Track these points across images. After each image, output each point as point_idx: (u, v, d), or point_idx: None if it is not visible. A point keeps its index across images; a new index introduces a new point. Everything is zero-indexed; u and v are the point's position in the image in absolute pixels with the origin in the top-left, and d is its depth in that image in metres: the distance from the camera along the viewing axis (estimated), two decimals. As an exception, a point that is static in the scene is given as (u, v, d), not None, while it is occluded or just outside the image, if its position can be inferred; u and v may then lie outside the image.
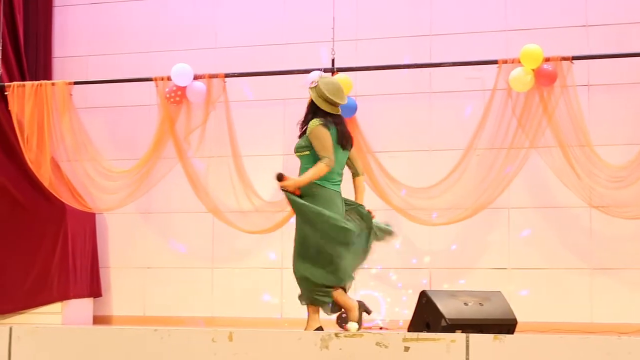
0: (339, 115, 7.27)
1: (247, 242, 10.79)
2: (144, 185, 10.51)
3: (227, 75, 10.32)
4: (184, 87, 10.23)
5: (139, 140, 11.00)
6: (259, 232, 10.26)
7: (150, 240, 11.31)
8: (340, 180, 7.28)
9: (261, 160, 10.66)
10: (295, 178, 7.15)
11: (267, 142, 10.89)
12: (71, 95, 10.62)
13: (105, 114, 11.49)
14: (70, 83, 10.64)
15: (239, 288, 10.76)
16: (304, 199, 7.09)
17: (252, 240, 10.71)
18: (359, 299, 7.62)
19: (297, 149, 7.25)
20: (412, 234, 10.48)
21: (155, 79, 10.42)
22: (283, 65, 10.73)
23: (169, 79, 10.30)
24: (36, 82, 10.66)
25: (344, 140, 7.18)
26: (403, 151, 10.60)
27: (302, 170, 7.23)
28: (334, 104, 7.21)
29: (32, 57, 11.51)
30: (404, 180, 9.96)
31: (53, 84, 10.65)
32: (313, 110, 7.21)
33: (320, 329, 7.21)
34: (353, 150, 7.37)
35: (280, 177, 7.12)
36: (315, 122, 7.07)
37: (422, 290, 7.70)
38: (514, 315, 7.57)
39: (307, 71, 10.04)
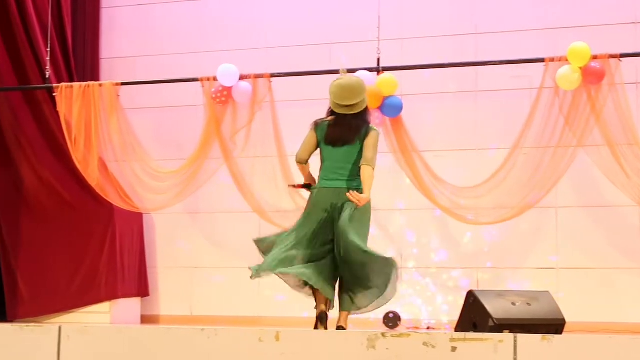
0: (344, 115, 7.37)
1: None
2: (192, 186, 10.55)
3: (273, 75, 10.33)
4: (230, 87, 10.25)
5: (185, 141, 11.06)
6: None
7: (196, 240, 11.35)
8: (335, 178, 7.37)
9: (307, 159, 10.68)
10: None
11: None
12: (118, 95, 10.68)
13: (152, 115, 11.57)
14: (117, 84, 10.72)
15: (285, 287, 10.75)
16: None
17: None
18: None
19: None
20: (459, 233, 10.44)
21: (202, 79, 10.46)
22: (329, 65, 10.71)
23: (215, 79, 10.33)
24: (84, 83, 10.74)
25: (328, 139, 7.42)
26: (449, 150, 10.57)
27: None
28: (336, 106, 7.40)
29: (80, 59, 11.62)
30: (450, 179, 9.92)
31: (100, 85, 10.73)
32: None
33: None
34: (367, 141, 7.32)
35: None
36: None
37: (469, 290, 7.67)
38: (562, 315, 7.50)
39: (353, 70, 9.92)
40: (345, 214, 7.27)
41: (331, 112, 7.45)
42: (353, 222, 7.26)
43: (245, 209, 10.64)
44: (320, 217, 7.39)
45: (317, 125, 7.48)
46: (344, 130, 7.37)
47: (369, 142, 7.34)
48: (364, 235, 7.38)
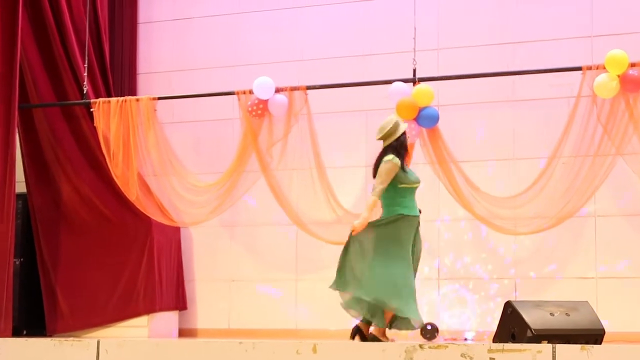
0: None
1: (331, 253, 10.78)
2: (229, 199, 10.56)
3: (309, 88, 10.33)
4: (266, 100, 10.27)
5: (222, 154, 11.08)
6: (342, 242, 10.23)
7: (234, 253, 11.38)
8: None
9: (343, 172, 10.71)
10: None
11: (349, 154, 10.90)
12: (155, 110, 10.72)
13: (189, 129, 11.62)
14: (154, 98, 10.75)
15: (323, 299, 10.77)
16: None
17: (336, 251, 10.69)
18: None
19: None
20: (497, 243, 10.41)
21: (238, 93, 10.48)
22: (364, 77, 10.73)
23: (251, 92, 10.34)
24: (121, 98, 10.79)
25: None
26: (487, 160, 10.53)
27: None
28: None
29: (118, 74, 11.71)
30: (488, 189, 9.88)
31: (138, 100, 10.77)
32: None
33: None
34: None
35: None
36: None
37: (507, 300, 7.64)
38: (601, 325, 7.46)
39: (389, 82, 10.03)
40: None
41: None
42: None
43: (283, 221, 10.66)
44: None
45: None
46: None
47: (378, 171, 8.27)
48: (369, 257, 8.25)
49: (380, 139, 8.44)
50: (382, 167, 8.24)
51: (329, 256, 10.81)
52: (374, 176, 8.33)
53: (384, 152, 8.38)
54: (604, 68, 9.32)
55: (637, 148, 9.32)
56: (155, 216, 10.68)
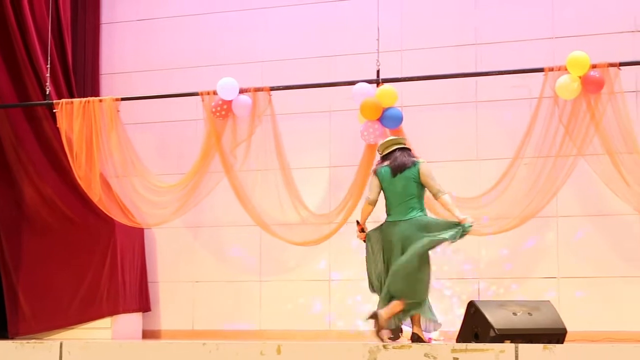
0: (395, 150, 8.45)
1: (295, 254, 10.81)
2: (192, 200, 10.53)
3: (273, 89, 10.33)
4: (230, 101, 10.25)
5: (186, 155, 11.06)
6: (306, 243, 10.25)
7: (198, 254, 11.35)
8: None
9: (308, 172, 10.69)
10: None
11: (313, 154, 10.90)
12: (118, 111, 10.67)
13: (152, 129, 11.59)
14: (117, 99, 10.71)
15: (287, 300, 10.76)
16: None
17: (300, 253, 10.72)
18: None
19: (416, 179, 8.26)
20: (460, 244, 10.35)
21: (201, 94, 10.46)
22: (328, 77, 10.73)
23: (214, 93, 10.32)
24: (84, 99, 10.74)
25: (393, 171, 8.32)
26: (449, 161, 10.55)
27: (418, 198, 8.29)
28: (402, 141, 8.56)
29: (80, 75, 11.65)
30: (451, 190, 9.84)
31: (100, 101, 10.72)
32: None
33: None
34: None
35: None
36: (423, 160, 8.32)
37: (470, 300, 7.67)
38: (563, 325, 7.51)
39: (352, 83, 10.04)
40: None
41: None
42: None
43: (247, 222, 10.64)
44: None
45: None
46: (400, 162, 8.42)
47: (430, 173, 8.39)
48: None
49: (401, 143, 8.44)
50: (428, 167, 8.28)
51: (293, 257, 10.85)
52: (395, 174, 8.20)
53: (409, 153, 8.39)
54: (566, 69, 9.39)
55: (599, 149, 9.39)
56: (118, 217, 10.63)
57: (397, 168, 8.18)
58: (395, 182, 8.16)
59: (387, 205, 8.23)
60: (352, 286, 10.45)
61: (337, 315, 10.64)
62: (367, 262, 8.22)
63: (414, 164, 8.20)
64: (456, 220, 8.04)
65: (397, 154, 8.29)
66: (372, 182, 8.27)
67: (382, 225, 8.22)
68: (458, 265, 10.51)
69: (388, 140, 8.45)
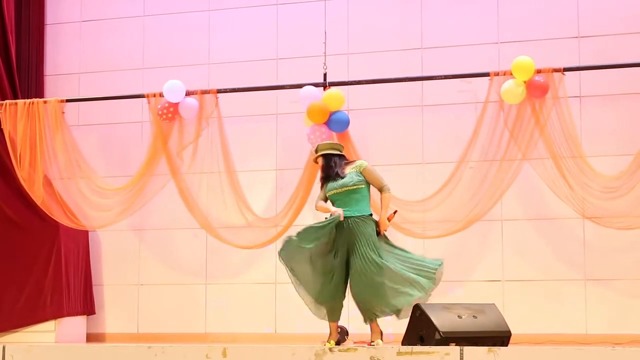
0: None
1: (241, 258, 10.79)
2: (137, 202, 10.49)
3: (220, 91, 10.32)
4: (176, 104, 10.22)
5: (131, 157, 11.01)
6: (252, 247, 10.24)
7: (143, 257, 11.29)
8: None
9: (254, 175, 10.69)
10: (384, 215, 8.27)
11: (260, 157, 10.89)
12: (63, 113, 10.62)
13: (97, 131, 11.50)
14: (62, 101, 10.65)
15: (233, 303, 10.74)
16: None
17: (246, 256, 10.70)
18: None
19: (354, 184, 8.16)
20: (406, 247, 10.44)
21: (147, 96, 10.42)
22: (275, 80, 10.74)
23: (161, 95, 10.30)
24: (28, 100, 10.66)
25: None
26: (396, 165, 10.57)
27: (357, 200, 8.17)
28: (339, 147, 8.42)
29: (24, 76, 11.51)
30: (397, 193, 9.89)
31: (45, 102, 10.65)
32: (341, 156, 8.33)
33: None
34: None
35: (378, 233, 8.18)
36: (363, 161, 8.29)
37: (415, 303, 7.69)
38: (508, 328, 7.56)
39: (300, 86, 10.07)
40: None
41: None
42: None
43: (192, 225, 10.60)
44: None
45: None
46: None
47: (377, 174, 8.45)
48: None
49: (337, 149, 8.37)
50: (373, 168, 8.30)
51: (238, 260, 10.83)
52: (325, 181, 8.24)
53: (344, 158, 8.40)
54: (511, 74, 9.48)
55: (543, 153, 9.49)
56: (62, 219, 10.55)
57: None
58: None
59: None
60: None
61: (283, 318, 10.63)
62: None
63: None
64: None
65: None
66: None
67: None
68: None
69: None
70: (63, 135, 10.58)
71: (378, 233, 8.13)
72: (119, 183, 10.63)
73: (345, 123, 9.88)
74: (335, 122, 9.85)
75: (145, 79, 11.29)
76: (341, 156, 8.33)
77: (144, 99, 10.50)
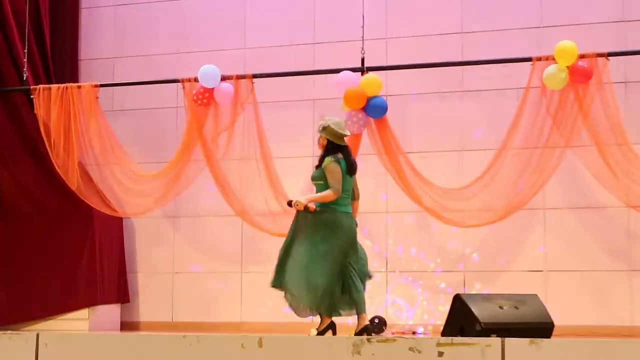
0: (346, 145, 8.27)
1: (277, 245, 10.74)
2: (173, 189, 10.51)
3: (255, 76, 10.29)
4: (212, 89, 10.21)
5: (166, 143, 11.04)
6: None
7: (178, 245, 11.33)
8: (349, 202, 8.20)
9: (290, 162, 10.66)
10: (308, 197, 8.14)
11: (296, 144, 10.86)
12: (97, 98, 10.63)
13: (132, 117, 11.54)
14: (96, 85, 10.66)
15: (269, 292, 10.71)
16: (316, 220, 8.08)
17: (282, 243, 10.67)
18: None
19: (313, 179, 8.25)
20: (445, 236, 10.43)
21: (182, 81, 10.42)
22: (312, 65, 10.70)
23: (196, 80, 10.28)
24: (62, 85, 10.68)
25: (352, 169, 8.19)
26: (435, 151, 10.56)
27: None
28: (342, 137, 8.17)
29: (59, 60, 11.54)
30: (436, 181, 9.90)
31: (79, 87, 10.67)
32: (328, 147, 8.17)
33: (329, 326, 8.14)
34: (355, 177, 8.27)
35: (290, 204, 8.17)
36: (329, 159, 8.08)
37: (455, 293, 7.65)
38: (550, 319, 7.50)
39: (337, 71, 10.01)
40: None
41: (335, 147, 8.15)
42: None
43: (228, 212, 10.60)
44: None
45: (338, 161, 8.12)
46: (354, 160, 8.36)
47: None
48: None
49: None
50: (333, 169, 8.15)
51: (274, 248, 10.79)
52: (355, 171, 8.26)
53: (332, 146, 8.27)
54: (554, 59, 9.37)
55: (586, 140, 9.38)
56: (98, 206, 10.58)
57: (354, 168, 8.23)
58: (348, 180, 8.15)
59: (341, 196, 8.09)
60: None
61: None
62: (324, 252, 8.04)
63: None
64: None
65: (347, 149, 8.27)
66: (338, 171, 8.05)
67: (328, 213, 8.07)
68: (444, 259, 10.49)
69: (342, 131, 8.19)
70: (97, 120, 10.60)
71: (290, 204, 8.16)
72: (154, 169, 10.65)
73: (383, 109, 9.83)
74: (373, 107, 9.80)
75: (180, 63, 11.29)
76: (330, 143, 8.18)
77: (179, 84, 10.50)
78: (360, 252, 8.22)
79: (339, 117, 8.41)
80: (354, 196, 8.29)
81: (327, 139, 8.17)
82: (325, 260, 7.97)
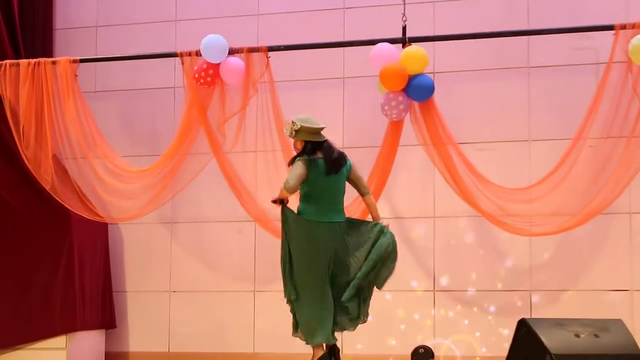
0: (326, 140, 8.64)
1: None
2: (169, 189, 10.53)
3: (271, 49, 10.29)
4: (217, 65, 10.22)
5: (161, 132, 11.14)
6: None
7: (176, 257, 11.37)
8: (331, 209, 8.57)
9: (316, 155, 10.68)
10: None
11: (323, 131, 10.87)
12: (76, 76, 10.64)
13: (119, 100, 11.61)
14: (75, 61, 10.67)
15: (280, 321, 10.69)
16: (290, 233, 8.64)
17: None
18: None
19: None
20: (507, 246, 10.42)
21: (181, 55, 10.42)
22: (342, 36, 10.70)
23: (198, 54, 10.30)
24: (33, 60, 10.71)
25: (332, 168, 8.56)
26: (493, 142, 10.60)
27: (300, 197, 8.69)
28: (318, 132, 8.55)
29: (29, 29, 11.58)
30: (496, 178, 9.88)
31: (54, 62, 10.69)
32: (307, 148, 8.57)
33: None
34: (355, 171, 8.72)
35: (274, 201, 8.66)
36: (298, 160, 8.51)
37: (520, 318, 7.65)
38: (639, 349, 7.49)
39: (372, 42, 9.99)
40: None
41: (314, 147, 8.56)
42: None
43: (238, 218, 10.63)
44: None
45: (308, 162, 8.50)
46: (339, 154, 8.65)
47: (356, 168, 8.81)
48: None
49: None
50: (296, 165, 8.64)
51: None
52: (332, 172, 8.59)
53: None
54: (641, 28, 9.38)
55: (684, 128, 9.38)
56: (75, 208, 10.61)
57: (336, 165, 8.59)
58: (330, 180, 8.54)
59: (313, 202, 8.54)
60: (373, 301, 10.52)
61: (349, 334, 10.63)
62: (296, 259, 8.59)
63: (345, 158, 8.68)
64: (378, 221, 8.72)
65: (328, 144, 8.64)
66: (300, 171, 8.46)
67: (300, 221, 8.56)
68: (504, 273, 10.49)
69: (317, 125, 8.59)
70: (76, 104, 10.62)
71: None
72: (145, 164, 10.68)
73: (429, 89, 9.80)
74: (417, 88, 9.78)
75: (178, 33, 11.37)
76: (309, 143, 8.60)
77: (177, 59, 10.51)
78: (350, 258, 8.57)
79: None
80: (363, 191, 8.78)
81: (304, 140, 8.59)
82: (305, 287, 8.51)
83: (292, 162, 8.55)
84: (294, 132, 8.51)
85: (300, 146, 8.58)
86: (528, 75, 10.60)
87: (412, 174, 10.12)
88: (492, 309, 10.50)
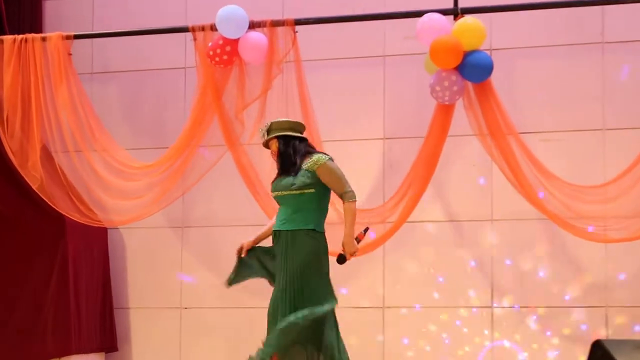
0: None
1: (331, 269, 10.74)
2: (178, 187, 10.55)
3: (299, 22, 10.27)
4: (235, 41, 10.21)
5: (169, 120, 11.18)
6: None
7: (187, 267, 11.39)
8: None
9: (350, 147, 10.74)
10: (348, 234, 8.59)
11: (359, 120, 10.89)
12: (71, 54, 10.67)
13: (120, 83, 11.65)
14: (69, 37, 10.69)
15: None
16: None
17: (340, 266, 10.63)
18: None
19: (299, 187, 8.51)
20: (577, 253, 10.36)
21: (193, 29, 10.42)
22: (383, 6, 10.67)
23: (212, 28, 10.30)
24: (20, 36, 10.75)
25: None
26: (561, 132, 10.55)
27: (302, 210, 8.55)
28: (294, 127, 8.68)
29: (14, 1, 11.59)
30: (564, 174, 9.82)
31: (44, 39, 10.72)
32: (298, 148, 8.59)
33: None
34: None
35: (343, 259, 8.59)
36: (319, 157, 8.50)
37: (595, 339, 7.59)
38: None
39: (417, 14, 9.96)
40: None
41: (299, 140, 8.65)
42: None
43: (258, 221, 10.59)
44: None
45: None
46: None
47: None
48: None
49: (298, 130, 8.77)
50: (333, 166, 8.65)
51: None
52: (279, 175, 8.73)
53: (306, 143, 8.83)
54: None
55: None
56: (68, 211, 10.63)
57: None
58: None
59: (325, 212, 8.69)
60: (424, 316, 10.47)
61: (392, 347, 10.65)
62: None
63: None
64: None
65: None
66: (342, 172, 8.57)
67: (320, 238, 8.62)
68: (574, 285, 10.47)
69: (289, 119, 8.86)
70: (70, 87, 10.67)
71: (342, 258, 8.55)
72: (150, 158, 10.70)
73: (488, 69, 9.75)
74: (472, 66, 9.74)
75: (189, 4, 11.41)
76: (303, 140, 8.66)
77: (188, 34, 10.50)
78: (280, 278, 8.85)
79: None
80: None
81: (301, 135, 8.63)
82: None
83: (298, 168, 8.48)
84: (265, 134, 8.53)
85: (276, 148, 8.56)
86: (602, 52, 10.55)
87: (465, 168, 10.04)
88: (561, 328, 10.45)
